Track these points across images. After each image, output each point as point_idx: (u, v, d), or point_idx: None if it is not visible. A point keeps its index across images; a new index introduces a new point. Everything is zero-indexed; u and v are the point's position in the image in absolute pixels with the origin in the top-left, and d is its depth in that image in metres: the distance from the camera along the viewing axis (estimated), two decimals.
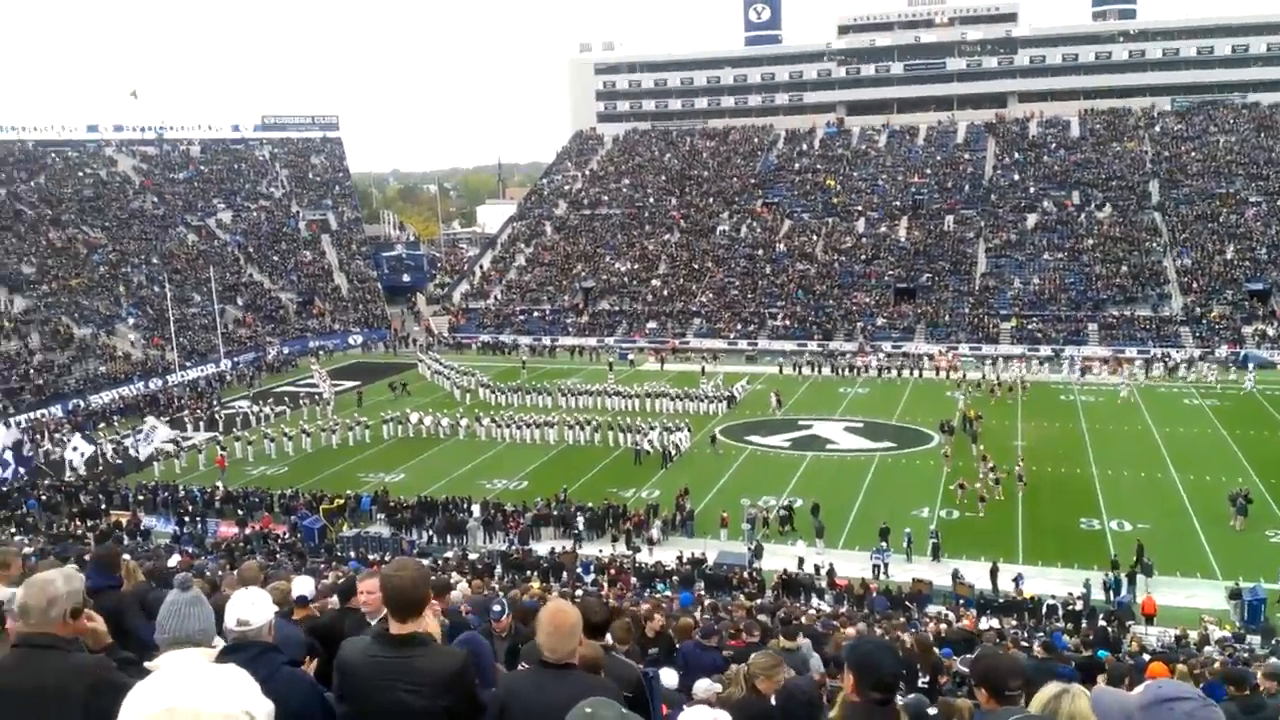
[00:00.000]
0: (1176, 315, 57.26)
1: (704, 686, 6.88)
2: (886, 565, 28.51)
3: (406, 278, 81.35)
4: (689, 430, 40.76)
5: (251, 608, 3.78)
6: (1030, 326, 58.28)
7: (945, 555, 29.22)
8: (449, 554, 28.86)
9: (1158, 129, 75.74)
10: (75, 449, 39.50)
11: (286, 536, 31.32)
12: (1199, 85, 78.52)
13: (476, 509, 32.93)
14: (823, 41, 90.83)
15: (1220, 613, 25.30)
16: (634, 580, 26.88)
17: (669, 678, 7.00)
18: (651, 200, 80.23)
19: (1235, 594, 25.77)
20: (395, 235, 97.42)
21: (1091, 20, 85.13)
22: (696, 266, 70.52)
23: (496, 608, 7.88)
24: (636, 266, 71.83)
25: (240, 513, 33.93)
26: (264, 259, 75.24)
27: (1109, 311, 58.30)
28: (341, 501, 33.92)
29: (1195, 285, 59.04)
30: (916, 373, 53.32)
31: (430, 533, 32.40)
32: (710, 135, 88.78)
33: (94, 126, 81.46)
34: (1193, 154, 71.57)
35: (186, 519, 33.52)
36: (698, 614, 16.44)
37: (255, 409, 47.46)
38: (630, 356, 60.26)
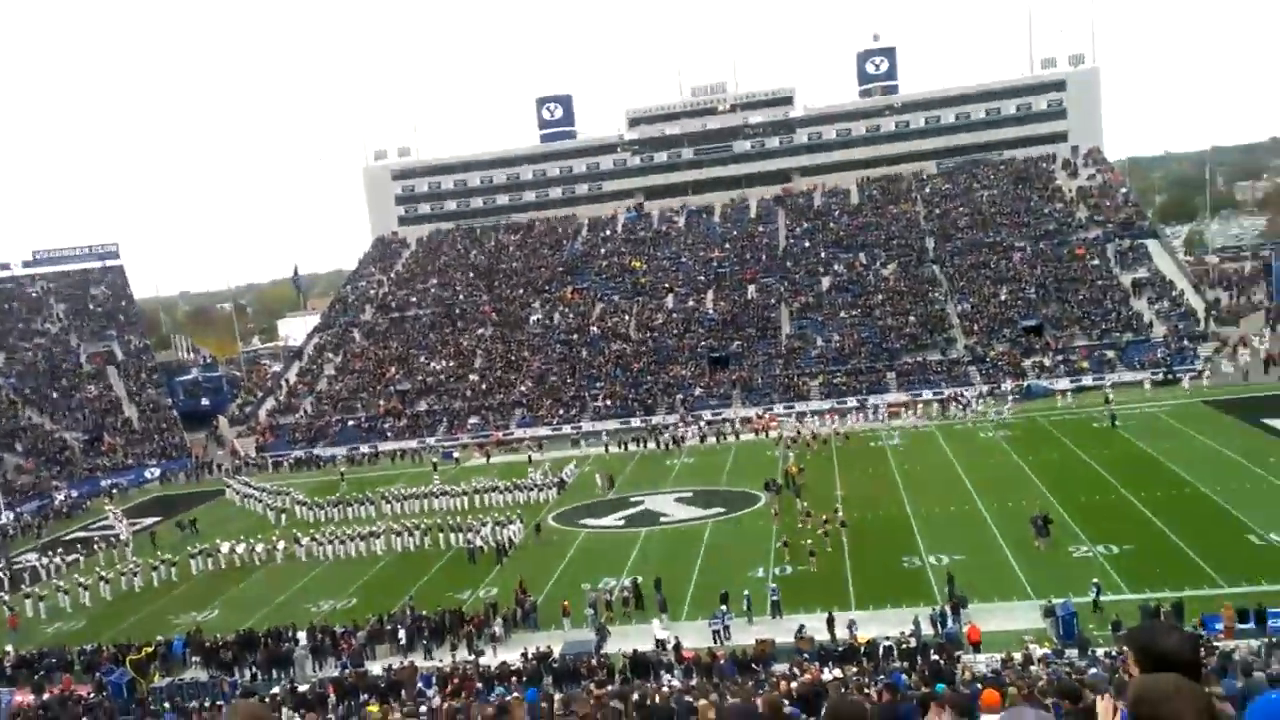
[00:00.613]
0: (963, 356, 61.80)
1: None
2: (728, 629, 28.66)
3: (205, 401, 76.80)
4: (521, 522, 40.01)
5: None
6: (836, 381, 61.32)
7: (785, 612, 29.66)
8: (275, 690, 26.76)
9: (928, 190, 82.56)
10: None
11: (92, 697, 28.22)
12: (960, 148, 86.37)
13: (303, 636, 30.85)
14: (615, 133, 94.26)
15: (1038, 631, 26.72)
16: (478, 686, 25.78)
17: None
18: (461, 297, 79.85)
19: (1049, 611, 27.31)
20: (189, 359, 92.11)
21: (859, 97, 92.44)
22: (513, 357, 70.34)
23: None
24: (452, 364, 70.88)
25: (36, 677, 30.35)
26: (43, 399, 69.30)
27: (903, 359, 62.23)
28: (150, 649, 30.99)
29: (976, 327, 64.04)
30: (737, 437, 54.78)
31: (253, 669, 30.02)
32: (514, 229, 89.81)
33: None
34: (961, 209, 78.32)
35: None
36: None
37: (45, 560, 43.06)
38: (455, 454, 58.96)
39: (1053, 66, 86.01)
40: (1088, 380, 56.17)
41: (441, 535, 39.77)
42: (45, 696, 28.54)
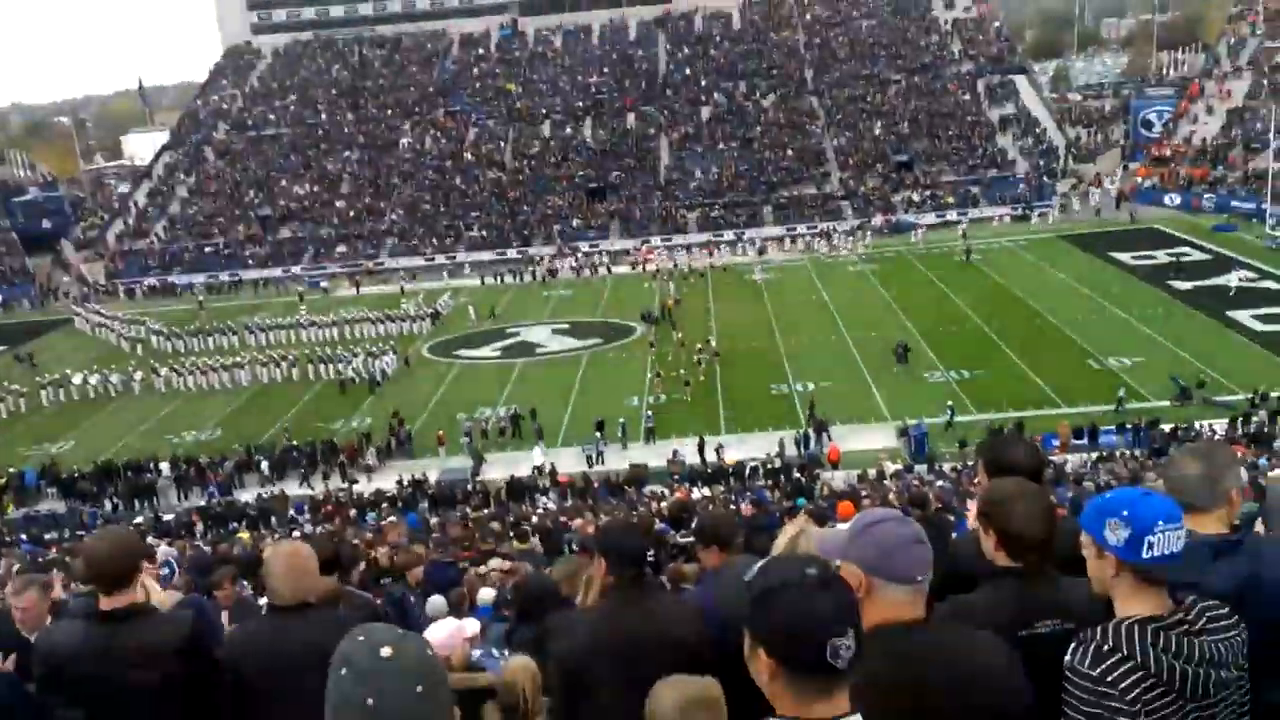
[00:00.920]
0: (836, 191, 62.57)
1: (435, 604, 6.70)
2: (602, 455, 29.41)
3: (47, 224, 71.21)
4: (395, 353, 39.34)
5: None
6: (713, 215, 61.37)
7: (658, 438, 30.54)
8: (139, 519, 26.21)
9: (808, 16, 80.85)
10: None
11: None
12: None
13: (166, 466, 30.09)
14: None
15: (893, 450, 28.47)
16: (353, 513, 25.87)
17: (436, 605, 6.74)
18: (324, 117, 75.11)
19: (903, 432, 29.10)
20: (26, 177, 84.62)
21: None
22: (382, 183, 67.32)
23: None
24: (317, 189, 67.37)
25: None
26: None
27: (780, 193, 62.58)
28: (2, 480, 29.74)
29: (850, 162, 64.62)
30: (610, 271, 54.61)
31: (114, 500, 29.22)
32: (380, 44, 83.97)
33: None
34: (840, 38, 77.36)
35: None
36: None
37: None
38: (323, 284, 56.93)
39: None
40: (952, 215, 57.91)
41: (310, 366, 38.74)
42: None
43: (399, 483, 27.41)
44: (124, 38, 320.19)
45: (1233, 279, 40.22)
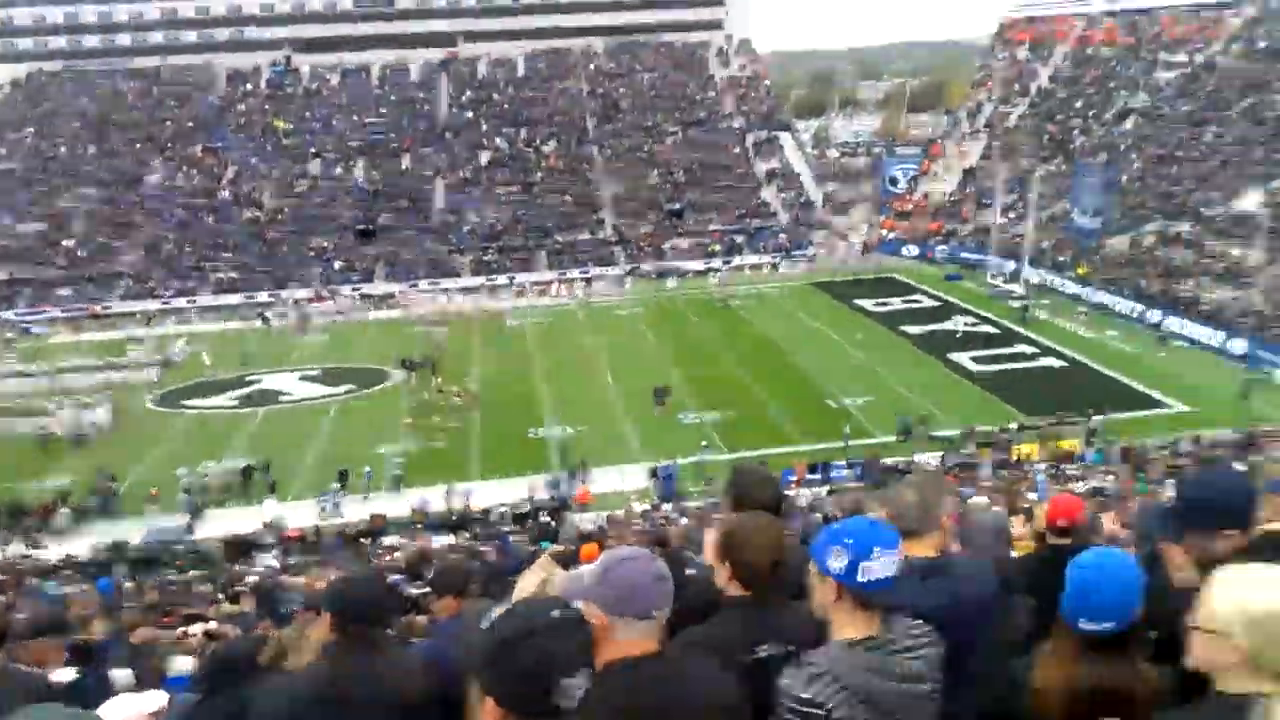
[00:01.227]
0: (610, 237, 63.26)
1: (120, 678, 5.80)
2: (338, 506, 27.59)
3: None
4: (110, 404, 35.60)
5: None
6: (487, 258, 60.47)
7: (405, 486, 29.09)
8: None
9: (592, 67, 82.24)
10: None
11: None
12: (622, 26, 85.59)
13: None
14: None
15: (643, 490, 28.34)
16: (33, 581, 22.71)
17: (121, 679, 5.83)
18: (63, 151, 68.87)
19: (653, 472, 29.11)
20: None
21: None
22: (121, 221, 62.04)
23: None
24: (45, 227, 61.22)
25: None
26: None
27: (555, 238, 62.57)
28: None
29: (625, 209, 65.63)
30: (376, 313, 52.68)
31: None
32: (138, 75, 78.41)
33: None
34: (622, 91, 79.03)
35: None
36: None
37: None
38: (34, 329, 51.49)
39: None
40: (717, 263, 59.82)
41: (4, 421, 34.45)
42: None
43: (93, 546, 24.44)
44: None
45: (957, 324, 43.37)
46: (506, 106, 76.67)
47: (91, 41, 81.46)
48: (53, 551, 25.07)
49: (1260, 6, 63.20)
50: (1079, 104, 66.49)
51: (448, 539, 24.40)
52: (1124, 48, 68.46)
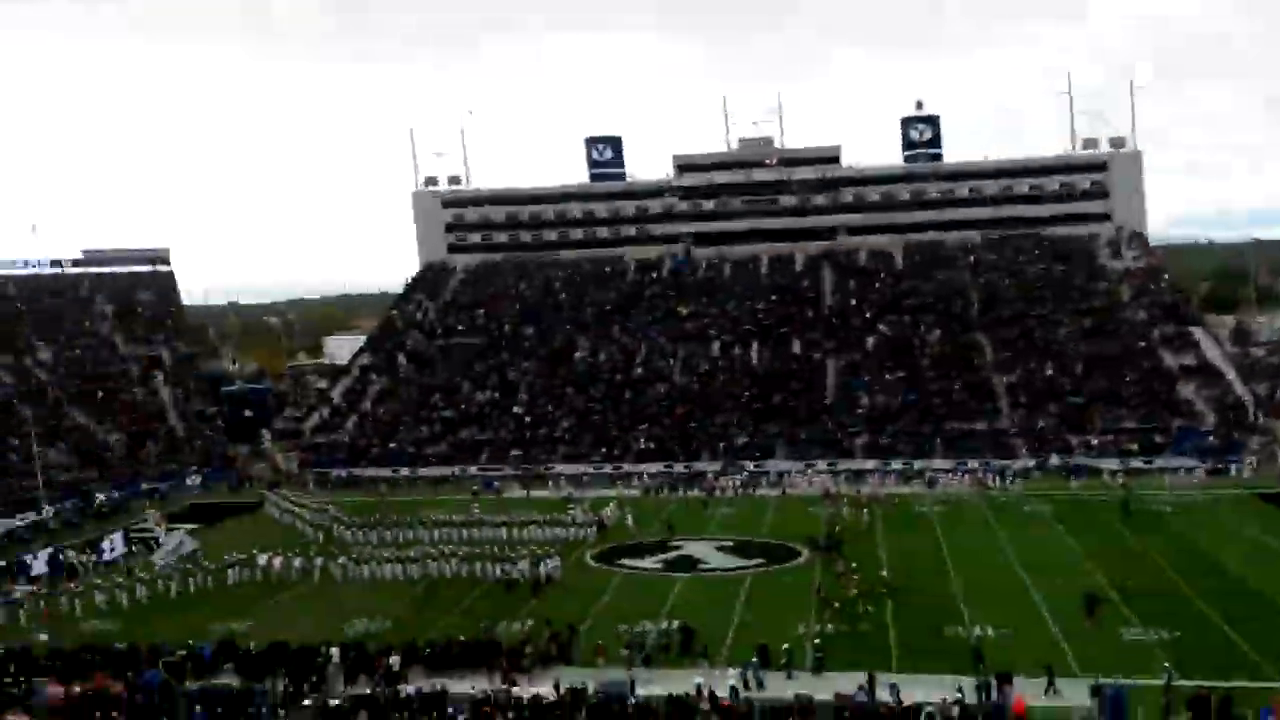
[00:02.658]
0: (1008, 427, 61.06)
1: None
2: (760, 681, 28.17)
3: (249, 413, 77.70)
4: (559, 557, 39.87)
5: None
6: (882, 442, 60.78)
7: (826, 669, 29.14)
8: (307, 702, 26.71)
9: (972, 259, 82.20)
10: None
11: (125, 695, 28.34)
12: (1002, 220, 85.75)
13: (335, 652, 30.79)
14: (663, 177, 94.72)
15: (1085, 710, 26.09)
16: (510, 715, 25.59)
17: None
18: (508, 329, 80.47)
19: (1096, 690, 26.70)
20: (234, 370, 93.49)
21: (903, 162, 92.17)
22: (557, 392, 70.59)
23: None
24: (496, 395, 71.26)
25: (69, 672, 30.47)
26: (87, 399, 70.51)
27: (949, 425, 61.60)
28: (185, 653, 31.07)
29: (1022, 399, 63.33)
30: (779, 490, 54.47)
31: (285, 681, 29.91)
32: (563, 266, 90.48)
33: None
34: (1008, 282, 77.91)
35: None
36: None
37: (84, 559, 43.49)
38: (496, 484, 59.04)
39: (1094, 147, 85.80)
40: (1137, 462, 55.25)
41: (479, 565, 39.69)
42: (78, 690, 28.65)
43: (556, 688, 27.03)
44: (330, 249, 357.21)
45: None
46: (887, 294, 78.29)
47: (525, 237, 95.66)
48: (521, 690, 27.94)
49: None
50: None
51: None
52: None
